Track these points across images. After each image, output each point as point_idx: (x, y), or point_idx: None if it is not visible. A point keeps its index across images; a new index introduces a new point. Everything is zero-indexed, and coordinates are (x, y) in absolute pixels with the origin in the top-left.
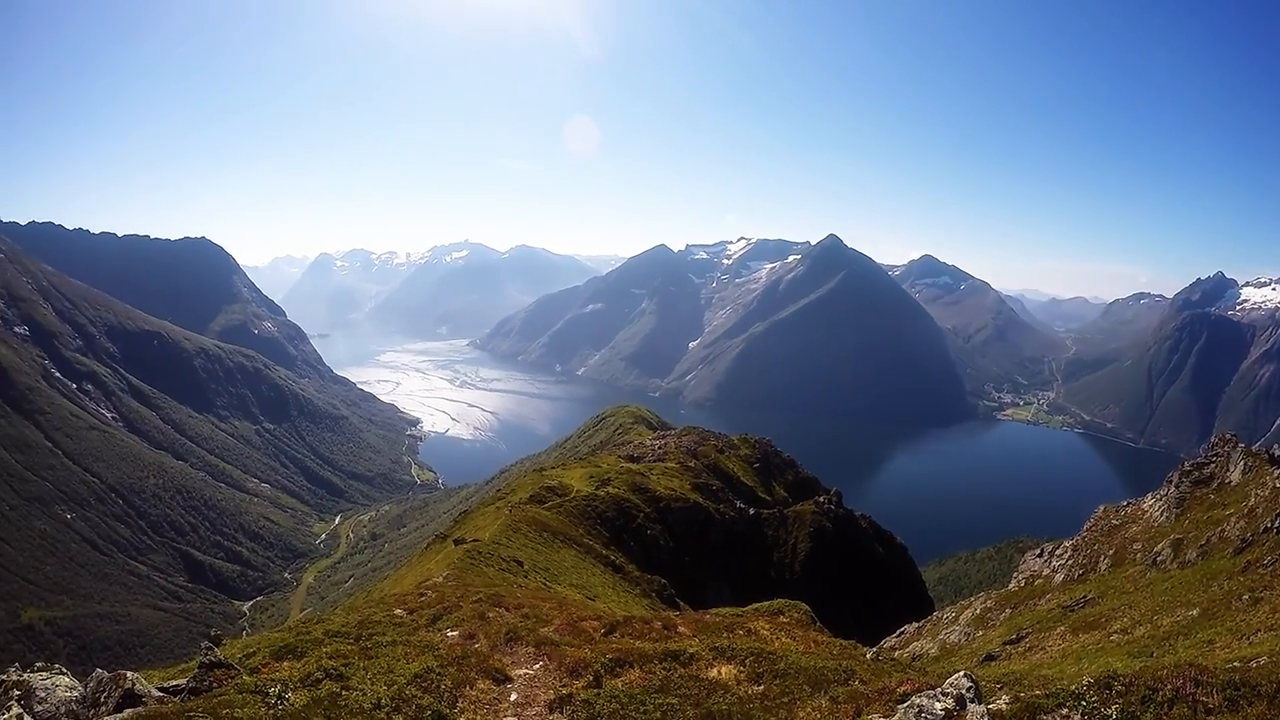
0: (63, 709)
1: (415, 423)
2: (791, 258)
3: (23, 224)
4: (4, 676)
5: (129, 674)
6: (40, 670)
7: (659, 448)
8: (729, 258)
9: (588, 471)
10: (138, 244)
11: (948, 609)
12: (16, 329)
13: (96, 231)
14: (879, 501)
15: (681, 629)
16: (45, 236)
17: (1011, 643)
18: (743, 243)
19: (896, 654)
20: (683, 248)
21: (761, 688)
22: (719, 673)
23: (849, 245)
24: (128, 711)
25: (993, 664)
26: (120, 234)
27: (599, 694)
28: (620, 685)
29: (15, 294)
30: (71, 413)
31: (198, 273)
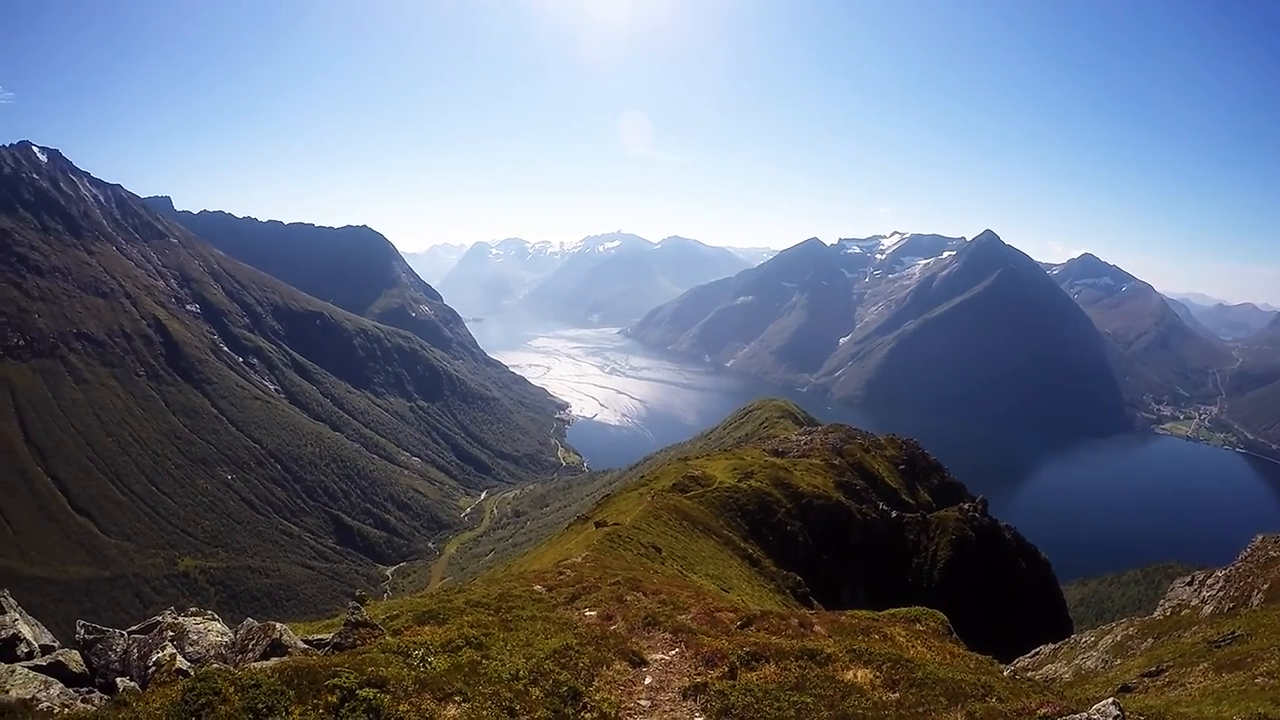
0: (212, 652)
1: (564, 407)
2: (946, 254)
3: (195, 213)
4: (160, 618)
5: (277, 624)
6: (194, 614)
7: (804, 443)
8: (882, 252)
9: (731, 463)
10: (303, 231)
11: (1087, 633)
12: (189, 307)
13: (264, 220)
14: (1024, 512)
15: (818, 628)
16: (217, 224)
17: (1150, 675)
18: (896, 237)
19: (1030, 674)
20: (835, 241)
21: (897, 695)
22: (854, 676)
23: (1005, 242)
24: (274, 660)
25: (1128, 696)
26: (286, 222)
27: (733, 686)
28: (755, 679)
29: (188, 275)
30: (237, 384)
31: (359, 258)
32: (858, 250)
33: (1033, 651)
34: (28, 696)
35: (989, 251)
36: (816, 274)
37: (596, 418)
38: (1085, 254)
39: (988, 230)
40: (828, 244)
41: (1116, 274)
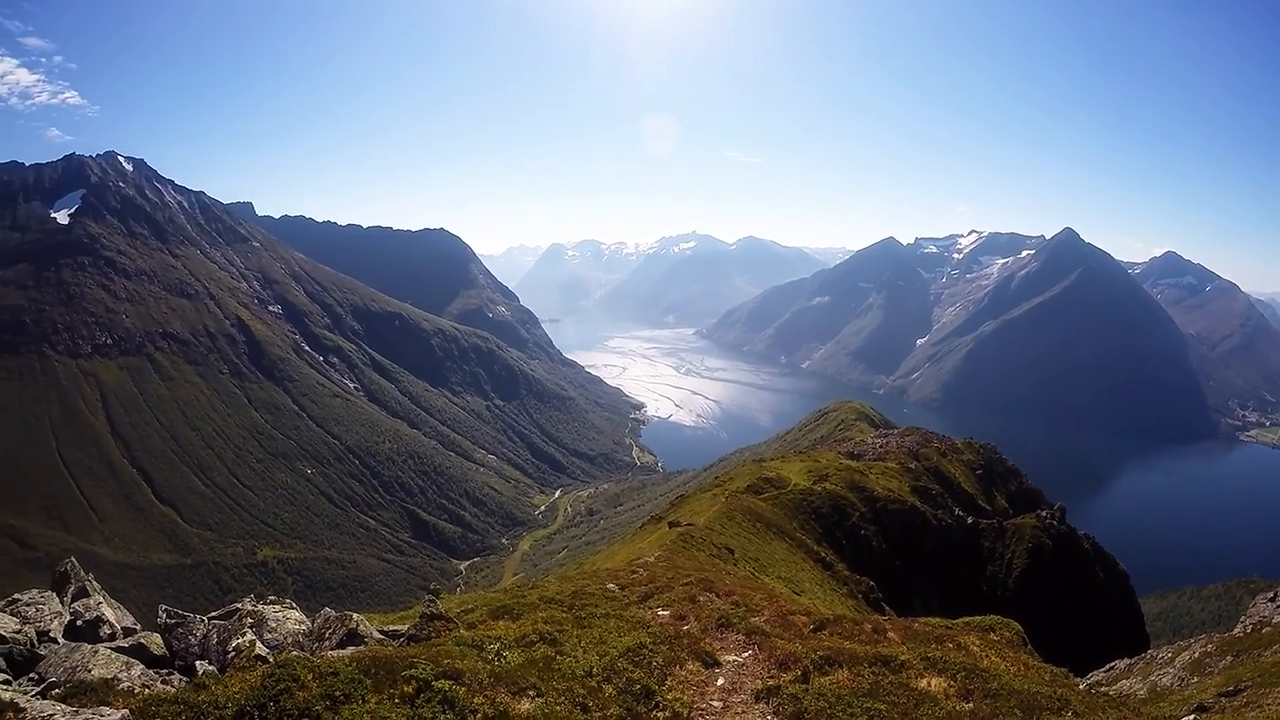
0: (290, 640)
1: (639, 407)
2: (1025, 253)
3: (276, 218)
4: (240, 605)
5: (354, 615)
6: (273, 603)
7: (880, 446)
8: (959, 252)
9: (806, 466)
10: (381, 234)
11: (1164, 648)
12: (271, 308)
13: (343, 223)
14: (1103, 520)
15: (891, 634)
16: (297, 228)
17: (1228, 695)
18: (973, 236)
19: (1104, 690)
20: (912, 241)
21: (971, 705)
22: (928, 684)
23: (1085, 240)
24: (350, 649)
25: (1204, 716)
26: (365, 225)
27: (806, 690)
28: (828, 684)
29: (270, 277)
30: (318, 381)
31: (437, 260)
32: (934, 250)
33: (1107, 666)
34: (109, 676)
35: (1068, 250)
36: (893, 274)
37: (671, 418)
38: (1168, 252)
39: (1067, 228)
40: (904, 243)
41: (1200, 273)
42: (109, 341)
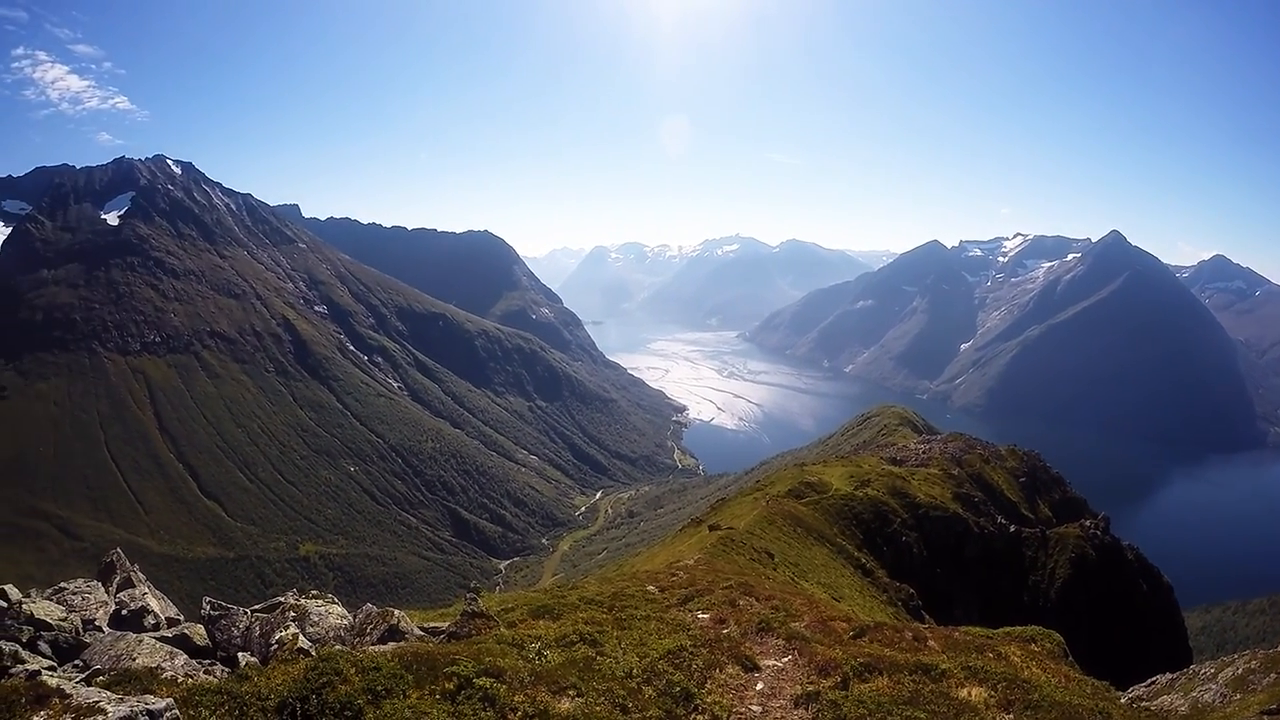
0: (332, 634)
1: (681, 409)
2: (1070, 256)
3: (322, 219)
4: (283, 599)
5: (395, 611)
6: (315, 597)
7: (923, 452)
8: (1004, 255)
9: (848, 470)
10: (425, 236)
11: (1206, 664)
12: (316, 308)
13: (388, 225)
14: (1147, 530)
15: (931, 643)
16: (343, 230)
17: (1270, 713)
18: (1019, 239)
19: (1144, 704)
20: (956, 244)
21: (1011, 716)
22: (969, 694)
23: (1132, 243)
24: (391, 645)
25: None
26: (410, 227)
27: (846, 696)
28: (868, 691)
29: (316, 278)
30: (362, 380)
31: (481, 262)
32: (979, 253)
33: (1149, 680)
34: (153, 665)
35: (1115, 253)
36: (937, 278)
37: (713, 421)
38: (1217, 255)
39: (1114, 231)
40: (948, 246)
41: (1250, 277)
42: (157, 339)
